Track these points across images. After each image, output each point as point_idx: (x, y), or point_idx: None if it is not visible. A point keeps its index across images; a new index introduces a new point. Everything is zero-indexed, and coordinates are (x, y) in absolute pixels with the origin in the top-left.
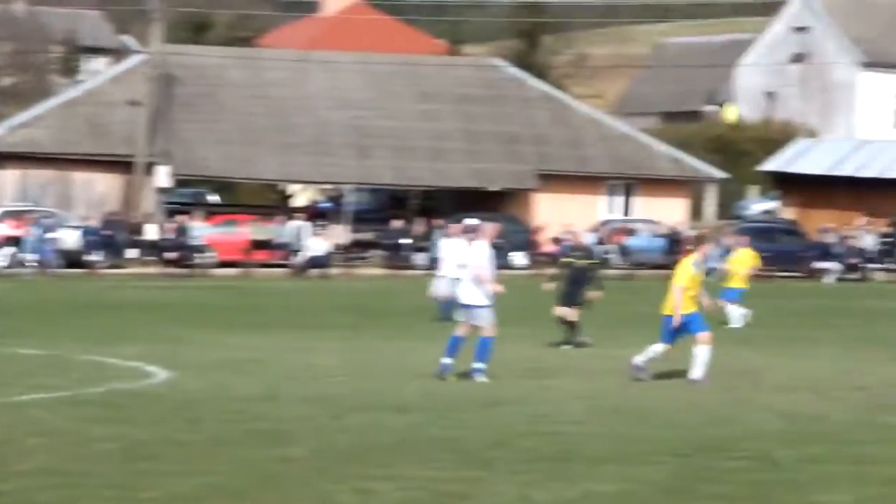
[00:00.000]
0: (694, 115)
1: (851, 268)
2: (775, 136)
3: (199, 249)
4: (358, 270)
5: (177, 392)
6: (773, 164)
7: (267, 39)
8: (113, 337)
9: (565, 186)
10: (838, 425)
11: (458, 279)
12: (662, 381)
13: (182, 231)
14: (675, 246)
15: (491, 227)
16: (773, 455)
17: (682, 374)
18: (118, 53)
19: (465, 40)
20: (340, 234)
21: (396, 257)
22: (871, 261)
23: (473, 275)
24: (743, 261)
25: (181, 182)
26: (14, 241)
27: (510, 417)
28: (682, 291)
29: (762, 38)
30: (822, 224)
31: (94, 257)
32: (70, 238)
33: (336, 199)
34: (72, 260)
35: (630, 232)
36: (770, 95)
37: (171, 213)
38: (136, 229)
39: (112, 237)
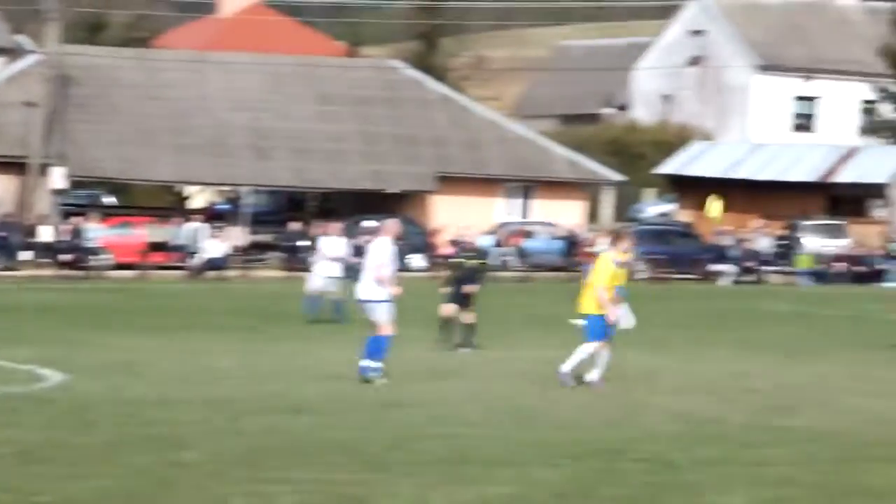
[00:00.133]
0: (591, 118)
1: (747, 270)
2: (672, 139)
3: (95, 251)
4: (256, 272)
5: (71, 395)
6: (670, 166)
7: (164, 40)
8: (6, 339)
9: (463, 188)
10: (734, 427)
11: (332, 277)
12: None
13: (77, 233)
14: (572, 248)
15: (393, 225)
16: (670, 457)
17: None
18: (13, 53)
19: (363, 42)
20: (238, 235)
21: (294, 259)
22: (767, 263)
23: (374, 273)
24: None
25: (77, 183)
26: None
27: (407, 419)
28: (605, 290)
29: (659, 42)
30: (717, 226)
31: None
32: None
33: (234, 200)
34: None
35: (528, 234)
36: (666, 98)
37: (67, 215)
38: (31, 231)
39: (6, 239)
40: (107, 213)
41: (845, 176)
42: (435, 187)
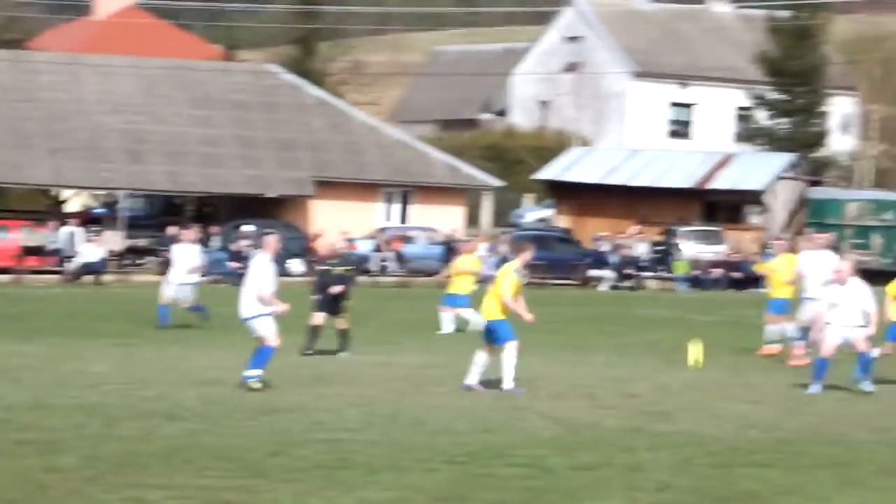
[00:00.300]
0: (470, 124)
1: (625, 276)
2: (550, 145)
3: None
4: (133, 277)
5: None
6: (548, 172)
7: (38, 42)
8: None
9: (342, 193)
10: (612, 432)
11: (186, 284)
12: (439, 388)
13: None
14: (451, 253)
15: (273, 241)
16: (548, 462)
17: (458, 380)
18: None
19: (240, 46)
20: (115, 240)
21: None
22: (644, 269)
23: (254, 291)
24: (469, 267)
25: None
26: None
27: (287, 425)
28: (511, 299)
29: (536, 48)
30: (595, 232)
31: None
32: None
33: (110, 204)
34: None
35: (407, 239)
36: (544, 104)
37: None
38: None
39: None
40: None
41: (721, 182)
42: (313, 192)
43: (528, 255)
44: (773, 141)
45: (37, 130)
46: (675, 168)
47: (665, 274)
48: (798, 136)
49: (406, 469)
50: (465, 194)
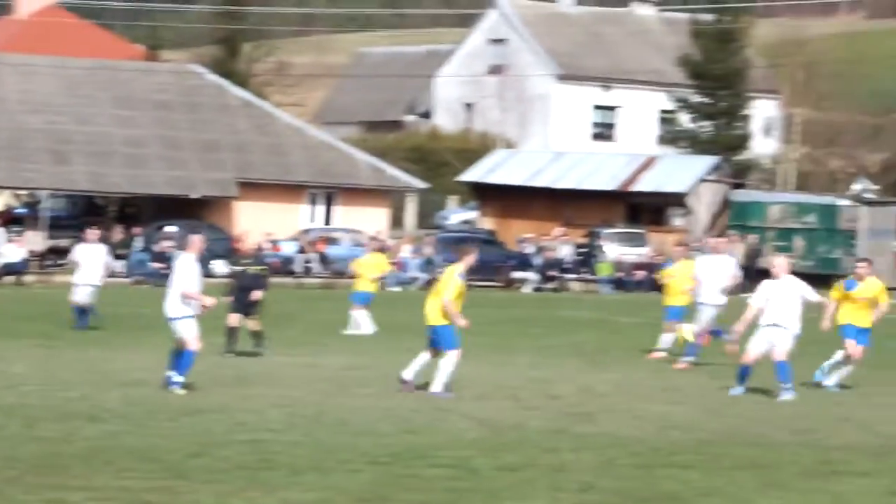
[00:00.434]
0: (394, 125)
1: (549, 278)
2: (474, 147)
3: None
4: (54, 278)
5: None
6: (472, 174)
7: None
8: None
9: (267, 195)
10: (535, 434)
11: (91, 285)
12: (362, 389)
13: None
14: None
15: (198, 241)
16: (472, 463)
17: (383, 381)
18: None
19: (163, 46)
20: (36, 240)
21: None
22: (568, 271)
23: (179, 290)
24: (376, 266)
25: None
26: None
27: (209, 426)
28: (451, 303)
29: (460, 50)
30: (520, 234)
31: None
32: None
33: (32, 205)
34: None
35: (331, 241)
36: (469, 106)
37: None
38: None
39: None
40: None
41: (645, 185)
42: (238, 193)
43: (471, 259)
44: (696, 144)
45: None
46: (599, 170)
47: (589, 276)
48: (721, 138)
49: (329, 470)
50: (390, 196)
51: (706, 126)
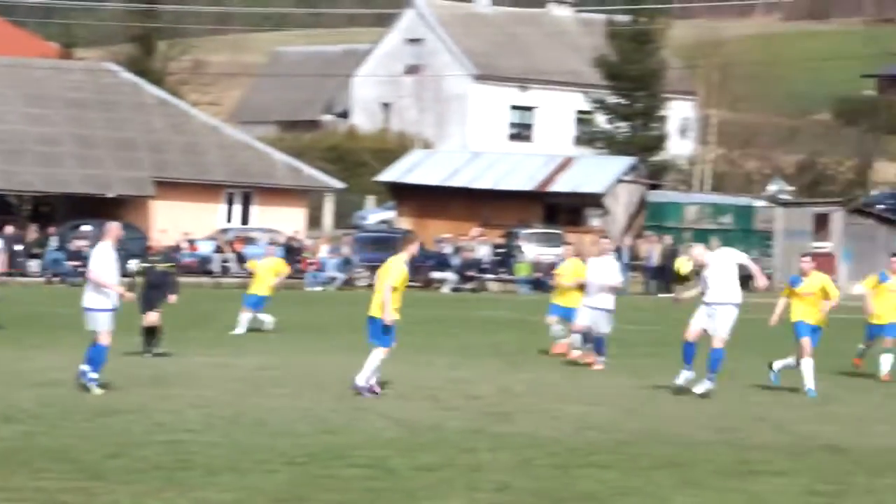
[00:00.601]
0: (312, 125)
1: (467, 278)
2: (392, 147)
3: None
4: None
5: None
6: (390, 174)
7: None
8: None
9: (183, 194)
10: (453, 434)
11: None
12: (279, 389)
13: None
14: (292, 255)
15: (115, 229)
16: (389, 463)
17: (297, 381)
18: None
19: (76, 44)
20: None
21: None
22: (486, 271)
23: (93, 278)
24: (273, 268)
25: None
26: None
27: (126, 426)
28: (391, 291)
29: (378, 49)
30: (437, 234)
31: None
32: None
33: None
34: None
35: (248, 240)
36: (386, 106)
37: None
38: None
39: None
40: None
41: (562, 185)
42: (154, 192)
43: (414, 248)
44: (613, 144)
45: None
46: (517, 171)
47: (507, 276)
48: (637, 139)
49: (246, 470)
50: (307, 196)
51: (623, 127)
